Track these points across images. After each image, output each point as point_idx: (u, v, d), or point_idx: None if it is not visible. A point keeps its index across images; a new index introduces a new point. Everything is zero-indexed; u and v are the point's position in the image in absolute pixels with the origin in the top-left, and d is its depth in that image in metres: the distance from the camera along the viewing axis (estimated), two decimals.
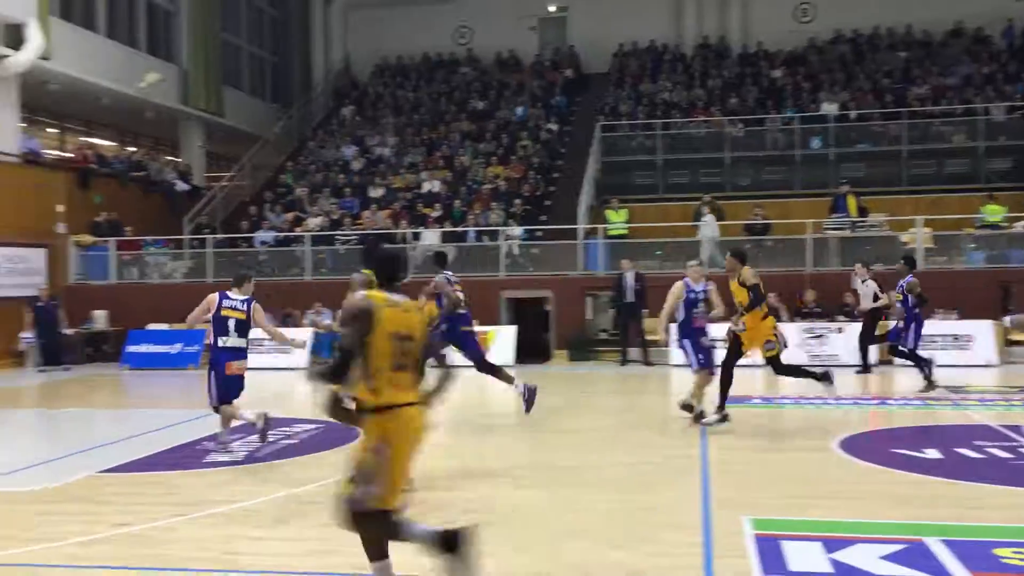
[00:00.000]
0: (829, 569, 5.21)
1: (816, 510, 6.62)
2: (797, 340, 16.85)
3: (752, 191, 22.01)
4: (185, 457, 9.07)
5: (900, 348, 13.16)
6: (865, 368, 15.18)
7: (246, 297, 8.99)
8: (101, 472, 8.34)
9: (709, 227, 18.99)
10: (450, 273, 10.39)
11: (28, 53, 19.15)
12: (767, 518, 6.31)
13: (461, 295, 10.18)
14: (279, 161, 27.08)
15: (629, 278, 17.43)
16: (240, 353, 8.90)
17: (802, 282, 17.88)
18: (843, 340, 16.55)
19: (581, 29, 29.95)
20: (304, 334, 17.76)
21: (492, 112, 26.64)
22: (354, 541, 4.60)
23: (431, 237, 20.17)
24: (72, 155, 22.91)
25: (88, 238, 20.78)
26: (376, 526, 4.45)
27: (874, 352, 15.61)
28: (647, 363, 17.14)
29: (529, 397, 10.36)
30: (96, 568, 5.56)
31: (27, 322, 18.35)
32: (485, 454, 9.21)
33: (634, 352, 17.47)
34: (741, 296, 9.81)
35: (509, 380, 10.61)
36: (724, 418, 10.02)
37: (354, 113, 28.30)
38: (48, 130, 25.09)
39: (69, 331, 18.76)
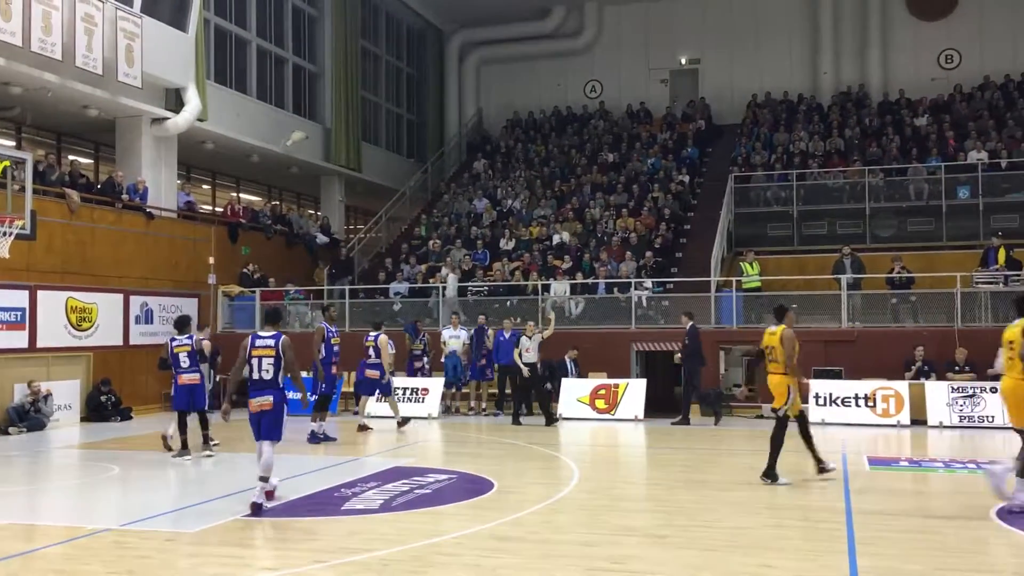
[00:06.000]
0: None
1: None
2: (947, 400, 16.05)
3: (894, 243, 21.25)
4: (324, 504, 9.31)
5: None
6: None
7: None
8: (246, 516, 8.63)
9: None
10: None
11: (187, 115, 20.50)
12: None
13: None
14: (414, 214, 27.88)
15: None
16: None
17: (951, 339, 17.02)
18: (998, 400, 15.59)
19: (713, 81, 29.98)
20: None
21: (623, 164, 26.71)
22: None
23: (560, 289, 20.27)
24: (222, 210, 24.24)
25: (236, 288, 21.83)
26: None
27: None
28: None
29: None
30: None
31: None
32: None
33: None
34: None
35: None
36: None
37: (486, 167, 28.90)
38: (203, 186, 26.69)
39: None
